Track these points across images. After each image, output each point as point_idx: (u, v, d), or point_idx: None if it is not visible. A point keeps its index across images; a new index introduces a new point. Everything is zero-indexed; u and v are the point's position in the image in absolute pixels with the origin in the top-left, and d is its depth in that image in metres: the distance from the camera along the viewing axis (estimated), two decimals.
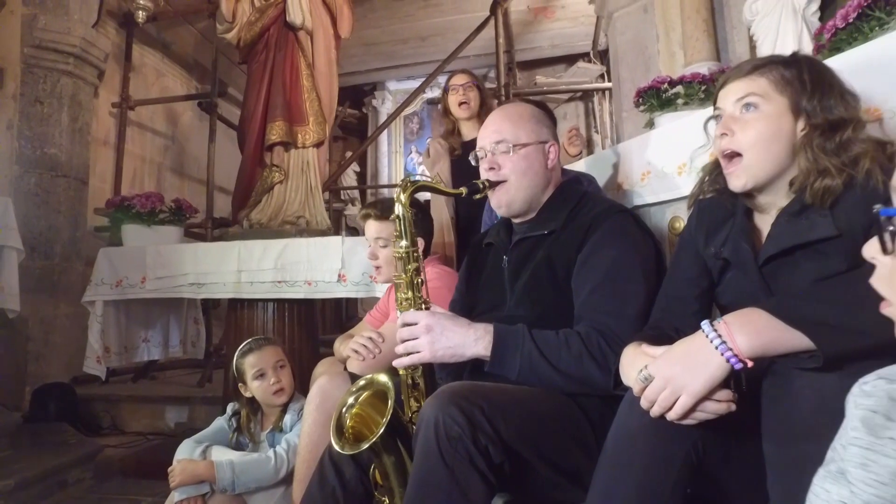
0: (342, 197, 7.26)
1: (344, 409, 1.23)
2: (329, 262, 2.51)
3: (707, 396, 0.80)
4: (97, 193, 4.34)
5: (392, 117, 5.40)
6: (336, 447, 1.17)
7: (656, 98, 2.33)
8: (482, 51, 5.45)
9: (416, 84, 6.73)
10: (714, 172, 1.14)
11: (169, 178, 5.57)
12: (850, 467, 0.53)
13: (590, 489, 0.90)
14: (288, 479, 1.67)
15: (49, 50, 3.80)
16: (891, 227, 0.47)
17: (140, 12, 3.74)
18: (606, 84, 5.39)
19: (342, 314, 6.50)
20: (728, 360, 0.79)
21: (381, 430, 1.12)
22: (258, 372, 1.84)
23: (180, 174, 5.77)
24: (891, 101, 1.41)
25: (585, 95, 6.82)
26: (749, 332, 0.79)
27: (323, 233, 2.82)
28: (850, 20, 1.70)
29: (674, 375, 0.81)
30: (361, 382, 1.25)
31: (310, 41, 2.94)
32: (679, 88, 2.33)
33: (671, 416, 0.81)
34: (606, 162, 2.26)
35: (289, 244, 2.56)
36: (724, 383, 0.80)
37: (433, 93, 6.50)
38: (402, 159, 7.39)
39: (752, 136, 1.03)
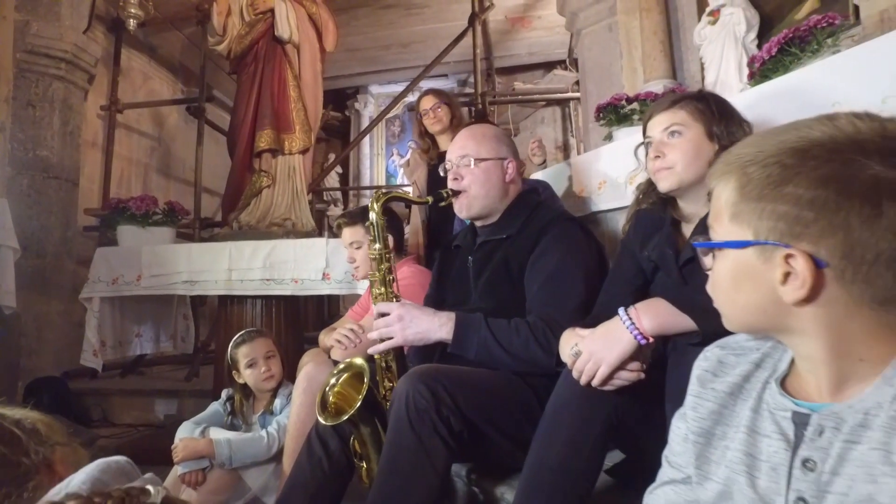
0: (325, 198, 7.42)
1: (327, 388, 1.43)
2: (314, 262, 2.71)
3: (621, 367, 1.02)
4: (85, 194, 4.46)
5: (372, 124, 5.59)
6: (321, 419, 1.38)
7: (614, 113, 2.56)
8: (462, 57, 5.64)
9: (397, 88, 6.92)
10: (648, 190, 1.37)
11: (155, 178, 5.69)
12: (687, 409, 0.74)
13: (532, 442, 1.11)
14: (278, 456, 1.87)
15: (41, 55, 3.92)
16: (703, 256, 0.68)
17: (131, 20, 3.88)
18: (576, 94, 5.62)
19: (324, 312, 6.67)
20: (635, 337, 1.01)
21: (359, 404, 1.32)
22: (250, 361, 2.03)
23: (166, 175, 5.89)
24: None
25: (562, 101, 7.06)
26: (651, 316, 1.02)
27: (308, 234, 3.01)
28: (773, 53, 1.94)
29: (595, 350, 1.03)
30: (341, 365, 1.45)
31: (297, 54, 3.13)
32: (635, 105, 2.56)
33: (594, 382, 1.03)
34: (567, 172, 2.49)
35: (277, 245, 2.75)
36: (635, 356, 1.02)
37: (414, 97, 6.71)
38: (384, 161, 7.57)
39: (679, 155, 1.27)
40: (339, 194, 7.44)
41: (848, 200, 0.54)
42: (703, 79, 2.72)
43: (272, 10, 3.03)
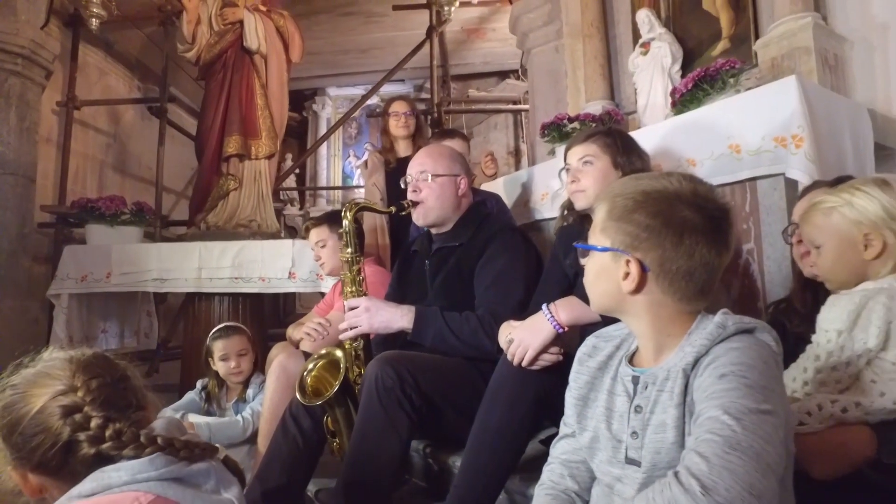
0: (281, 197, 7.52)
1: (305, 373, 1.66)
2: (281, 262, 2.90)
3: (544, 350, 1.29)
4: (40, 191, 4.44)
5: (330, 132, 5.78)
6: (301, 400, 1.60)
7: (557, 131, 2.85)
8: (420, 63, 5.87)
9: (355, 91, 7.10)
10: (569, 208, 1.66)
11: (111, 175, 5.66)
12: (571, 382, 1.01)
13: (476, 415, 1.37)
14: (252, 439, 2.07)
15: None
16: (581, 256, 0.96)
17: (93, 20, 3.92)
18: (525, 106, 5.93)
19: (280, 311, 6.79)
20: (554, 327, 1.29)
21: (337, 387, 1.56)
22: (223, 355, 2.22)
23: (122, 172, 5.86)
24: (703, 152, 1.98)
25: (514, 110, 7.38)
26: (566, 309, 1.30)
27: (273, 235, 3.20)
28: (689, 87, 2.27)
29: (524, 337, 1.30)
30: (323, 352, 1.68)
31: (264, 64, 3.30)
32: (576, 124, 2.85)
33: (524, 363, 1.30)
34: (517, 182, 2.77)
35: (245, 245, 2.93)
36: (555, 342, 1.30)
37: (372, 100, 6.91)
38: (341, 162, 7.74)
39: (591, 181, 1.58)
40: (295, 194, 7.55)
41: (666, 230, 0.83)
42: (636, 101, 3.06)
43: (241, 22, 3.19)
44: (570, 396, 1.00)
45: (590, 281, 0.94)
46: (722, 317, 0.85)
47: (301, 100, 7.71)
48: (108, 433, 0.82)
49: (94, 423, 0.82)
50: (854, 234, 1.05)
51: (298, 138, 7.83)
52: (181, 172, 6.49)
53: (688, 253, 0.83)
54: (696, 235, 0.83)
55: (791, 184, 1.76)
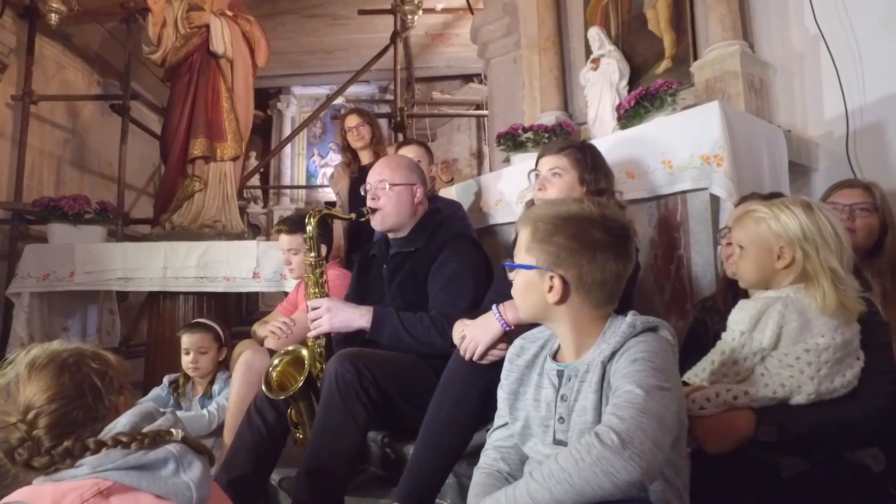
0: (244, 195, 7.51)
1: (271, 369, 1.78)
2: (246, 262, 2.99)
3: (493, 346, 1.44)
4: None
5: (293, 134, 5.81)
6: (267, 394, 1.72)
7: (512, 141, 3.01)
8: (384, 66, 5.97)
9: (320, 91, 7.14)
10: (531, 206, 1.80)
11: (69, 171, 5.57)
12: (503, 379, 1.15)
13: (430, 404, 1.51)
14: (218, 432, 2.16)
15: None
16: (509, 273, 1.12)
17: (52, 15, 3.90)
18: (485, 112, 6.08)
19: (243, 310, 6.79)
20: (502, 326, 1.43)
21: (302, 382, 1.68)
22: (185, 349, 2.30)
23: (81, 168, 5.76)
24: (641, 166, 2.17)
25: (477, 109, 7.54)
26: (513, 310, 1.44)
27: (238, 236, 3.28)
28: (632, 104, 2.46)
29: (475, 334, 1.45)
30: (290, 348, 1.80)
31: (230, 68, 3.36)
32: (530, 134, 3.02)
33: (474, 358, 1.45)
34: (469, 191, 2.93)
35: (210, 246, 3.00)
36: (502, 339, 1.44)
37: (337, 100, 6.97)
38: (305, 161, 7.77)
39: (556, 193, 1.74)
40: (259, 192, 7.54)
41: (581, 249, 1.00)
42: (587, 114, 3.24)
43: (207, 26, 3.25)
44: (503, 392, 1.16)
45: (518, 294, 1.09)
46: (632, 318, 1.02)
47: (266, 98, 7.71)
48: (56, 456, 0.94)
49: (43, 449, 0.94)
50: (772, 244, 1.21)
51: (262, 136, 7.82)
52: (142, 169, 6.42)
53: (601, 267, 0.99)
54: (606, 252, 1.00)
55: (715, 197, 1.96)
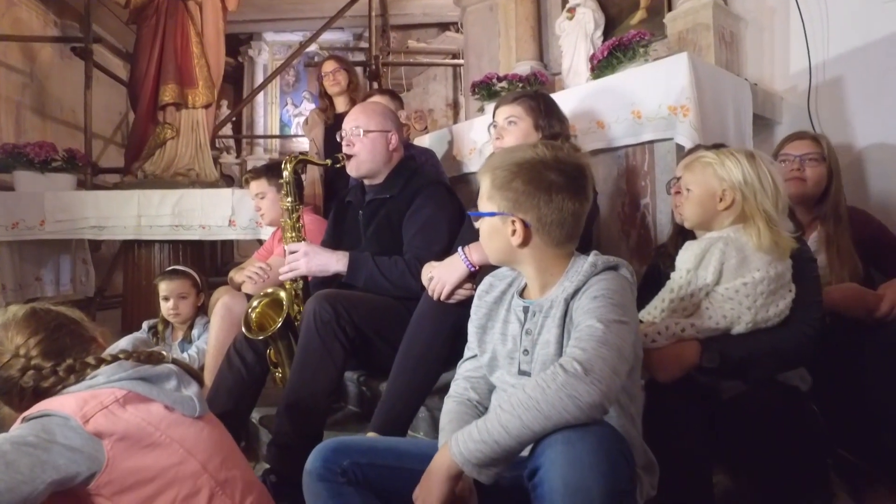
0: (217, 145, 7.36)
1: (250, 310, 1.83)
2: (221, 210, 2.99)
3: (459, 286, 1.51)
4: None
5: (269, 79, 5.67)
6: (247, 334, 1.78)
7: (487, 90, 3.02)
8: (358, 12, 5.81)
9: (292, 37, 6.93)
10: None
11: (30, 118, 5.37)
12: (472, 313, 1.23)
13: (402, 341, 1.59)
14: None
15: None
16: (474, 221, 1.17)
17: None
18: (461, 61, 6.00)
19: (218, 260, 6.79)
20: (467, 266, 1.51)
21: (281, 322, 1.74)
22: (164, 296, 2.34)
23: (42, 115, 5.56)
24: (611, 116, 2.22)
25: (454, 58, 7.42)
26: (478, 252, 1.51)
27: (212, 184, 3.26)
28: (605, 55, 2.49)
29: (442, 275, 1.52)
30: (269, 290, 1.85)
31: (199, 11, 3.25)
32: (504, 83, 3.03)
33: (441, 298, 1.52)
34: (443, 140, 2.95)
35: (185, 194, 2.99)
36: (468, 279, 1.52)
37: (310, 47, 6.78)
38: (278, 110, 7.61)
39: (512, 140, 1.78)
40: (232, 142, 7.40)
41: (538, 192, 1.05)
42: (562, 63, 3.25)
43: None
44: (472, 326, 1.24)
45: (485, 240, 1.15)
46: (594, 257, 1.09)
47: (236, 44, 7.45)
48: (61, 373, 1.03)
49: (46, 371, 1.03)
50: (716, 187, 1.30)
51: (234, 84, 7.61)
52: (108, 117, 6.23)
53: (558, 207, 1.05)
54: (562, 192, 1.06)
55: (681, 147, 2.03)
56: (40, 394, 1.03)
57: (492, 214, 1.10)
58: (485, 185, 1.12)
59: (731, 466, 1.38)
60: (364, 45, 6.37)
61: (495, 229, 1.11)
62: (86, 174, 4.04)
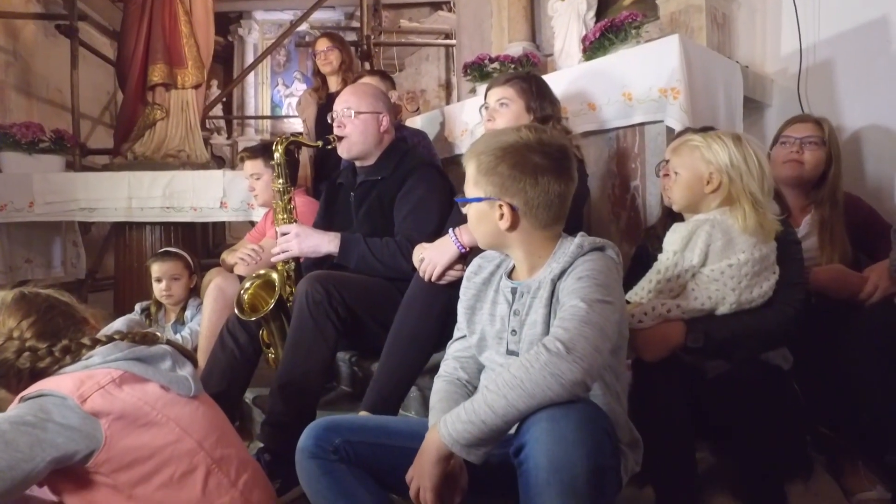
0: (207, 126, 7.29)
1: (242, 292, 1.84)
2: (213, 192, 2.98)
3: (450, 267, 1.53)
4: None
5: (259, 59, 5.58)
6: (240, 316, 1.79)
7: (479, 71, 3.00)
8: None
9: (282, 16, 6.83)
10: None
11: (14, 97, 5.27)
12: (461, 294, 1.24)
13: (394, 322, 1.61)
14: None
15: None
16: (462, 207, 1.18)
17: None
18: (453, 42, 5.92)
19: (209, 242, 6.76)
20: (458, 248, 1.52)
21: (273, 303, 1.75)
22: (157, 277, 2.34)
23: (27, 94, 5.47)
24: (602, 98, 2.22)
25: (446, 39, 7.33)
26: (468, 233, 1.51)
27: (203, 165, 3.24)
28: (597, 36, 2.48)
29: (433, 256, 1.53)
30: (261, 272, 1.86)
31: None
32: (496, 65, 3.02)
33: (433, 279, 1.54)
34: (435, 121, 2.95)
35: (176, 175, 2.97)
36: (459, 261, 1.53)
37: (301, 27, 6.69)
38: (269, 91, 7.53)
39: (504, 122, 1.78)
40: (223, 122, 7.33)
41: (524, 176, 1.06)
42: (554, 45, 3.23)
43: None
44: (461, 307, 1.25)
45: (473, 226, 1.16)
46: (580, 239, 1.11)
47: (226, 23, 7.34)
48: (57, 353, 1.05)
49: (41, 352, 1.05)
50: (703, 170, 1.32)
51: (224, 64, 7.50)
52: (96, 97, 6.14)
53: (544, 190, 1.06)
54: (548, 175, 1.06)
55: (671, 130, 2.04)
56: (37, 375, 1.04)
57: (479, 200, 1.10)
58: (470, 171, 1.12)
59: (715, 443, 1.42)
60: (355, 24, 6.27)
61: (483, 214, 1.11)
62: (74, 155, 4.00)
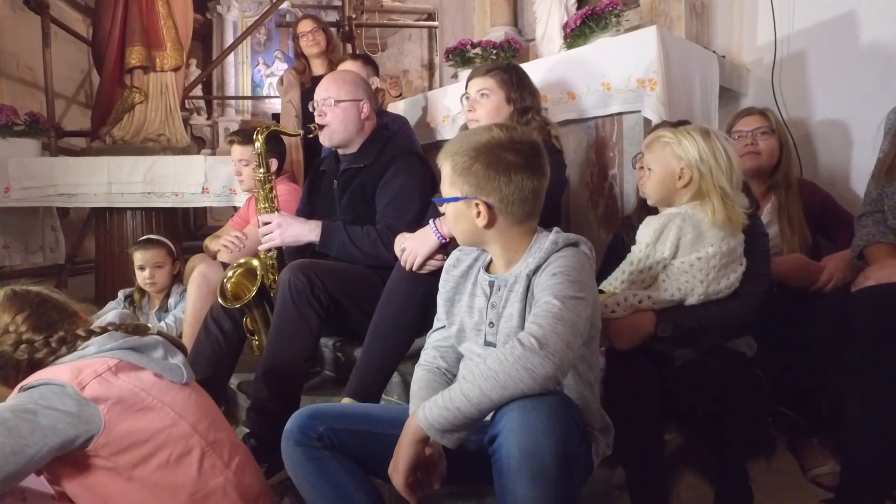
0: (187, 106, 7.16)
1: (225, 280, 1.86)
2: (194, 177, 2.96)
3: (430, 257, 1.56)
4: None
5: (239, 39, 5.48)
6: (223, 303, 1.82)
7: (461, 56, 3.00)
8: None
9: None
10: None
11: None
12: (441, 286, 1.27)
13: (376, 309, 1.65)
14: None
15: None
16: (439, 207, 1.21)
17: None
18: (434, 23, 5.86)
19: (191, 225, 6.69)
20: (438, 238, 1.55)
21: (255, 291, 1.78)
22: (140, 265, 2.35)
23: None
24: (582, 87, 2.25)
25: (429, 19, 7.26)
26: (446, 224, 1.55)
27: (184, 150, 3.21)
28: (578, 24, 2.49)
29: (414, 247, 1.57)
30: (242, 261, 1.88)
31: None
32: (478, 50, 3.01)
33: (414, 268, 1.57)
34: (417, 106, 2.95)
35: (157, 160, 2.95)
36: (439, 251, 1.56)
37: (282, 5, 6.55)
38: (250, 70, 7.40)
39: (484, 113, 1.80)
40: (202, 102, 7.20)
41: (498, 174, 1.09)
42: (536, 31, 3.24)
43: None
44: (441, 298, 1.29)
45: (451, 224, 1.19)
46: (555, 235, 1.15)
47: (204, 0, 7.16)
48: (53, 344, 1.09)
49: (38, 343, 1.08)
50: (674, 165, 1.37)
51: (202, 42, 7.34)
52: (70, 75, 5.98)
53: (518, 187, 1.10)
54: (521, 172, 1.10)
55: (648, 120, 2.08)
56: (34, 366, 1.08)
57: (456, 199, 1.13)
58: (446, 171, 1.15)
59: (683, 425, 1.49)
60: (337, 2, 6.18)
61: (460, 213, 1.14)
62: (50, 138, 3.92)
